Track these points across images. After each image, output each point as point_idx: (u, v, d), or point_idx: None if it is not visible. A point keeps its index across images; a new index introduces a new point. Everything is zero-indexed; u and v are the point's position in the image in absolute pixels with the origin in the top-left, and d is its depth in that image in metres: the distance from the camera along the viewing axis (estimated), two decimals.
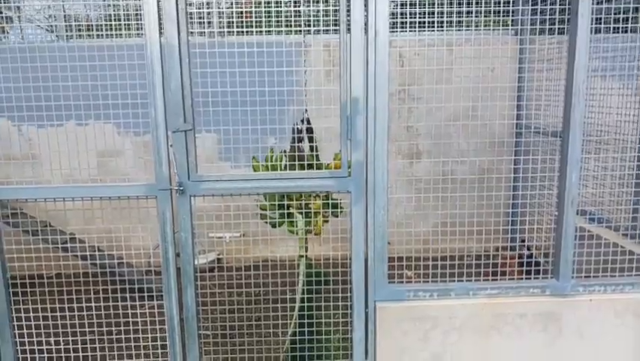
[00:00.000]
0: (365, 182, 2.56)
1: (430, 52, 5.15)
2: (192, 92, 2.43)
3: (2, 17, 5.18)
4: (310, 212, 2.75)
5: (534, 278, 2.76)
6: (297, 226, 2.72)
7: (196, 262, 4.03)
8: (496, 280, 2.78)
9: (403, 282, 2.76)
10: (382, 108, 2.48)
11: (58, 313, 2.63)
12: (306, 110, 2.86)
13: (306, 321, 2.70)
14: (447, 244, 3.25)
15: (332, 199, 2.82)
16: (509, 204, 3.82)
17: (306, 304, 2.69)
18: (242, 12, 4.87)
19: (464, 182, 3.28)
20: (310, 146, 3.05)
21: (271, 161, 2.79)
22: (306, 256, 2.78)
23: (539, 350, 2.71)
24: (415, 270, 2.98)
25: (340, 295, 2.74)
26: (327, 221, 2.91)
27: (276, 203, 2.75)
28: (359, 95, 2.46)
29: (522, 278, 3.98)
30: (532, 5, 4.48)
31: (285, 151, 3.06)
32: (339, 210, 2.72)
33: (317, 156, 2.94)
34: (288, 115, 3.13)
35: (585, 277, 2.82)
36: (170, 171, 2.41)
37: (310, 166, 2.84)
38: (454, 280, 2.73)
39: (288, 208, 2.74)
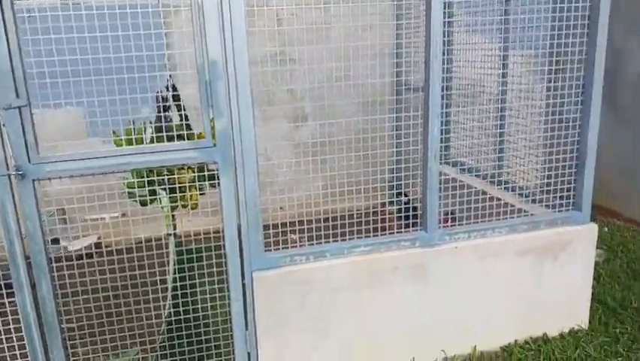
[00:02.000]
0: (233, 151, 2.46)
1: (307, 11, 5.06)
2: (23, 62, 2.14)
3: None
4: (181, 186, 2.60)
5: (412, 230, 2.87)
6: (160, 203, 2.57)
7: (70, 248, 3.70)
8: (377, 235, 2.84)
9: (288, 247, 2.74)
10: (243, 71, 2.37)
11: None
12: (170, 75, 2.66)
13: (180, 301, 2.60)
14: (337, 205, 3.20)
15: (208, 170, 2.69)
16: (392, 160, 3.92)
17: (179, 283, 2.58)
18: None
19: (348, 143, 3.24)
20: (180, 115, 2.86)
21: (132, 134, 2.58)
22: (175, 233, 2.66)
23: (412, 301, 2.85)
24: (300, 233, 2.97)
25: (215, 269, 2.66)
26: (203, 194, 2.78)
27: (140, 180, 2.56)
28: (217, 59, 2.32)
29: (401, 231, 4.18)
30: None
31: (150, 122, 2.84)
32: (216, 181, 2.60)
33: (188, 125, 2.77)
34: (159, 82, 2.91)
35: (459, 225, 2.98)
36: (5, 154, 2.13)
37: (180, 137, 2.67)
38: (337, 240, 2.76)
39: (154, 184, 2.58)
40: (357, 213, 3.12)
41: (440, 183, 2.96)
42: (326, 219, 2.88)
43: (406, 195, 4.12)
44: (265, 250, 2.66)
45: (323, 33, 3.91)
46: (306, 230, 2.81)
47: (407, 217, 4.12)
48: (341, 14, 3.97)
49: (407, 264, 2.80)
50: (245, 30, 2.32)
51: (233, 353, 2.70)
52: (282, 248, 2.72)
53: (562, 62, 3.00)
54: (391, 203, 4.32)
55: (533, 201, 3.30)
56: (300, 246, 2.81)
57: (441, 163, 4.41)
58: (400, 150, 3.24)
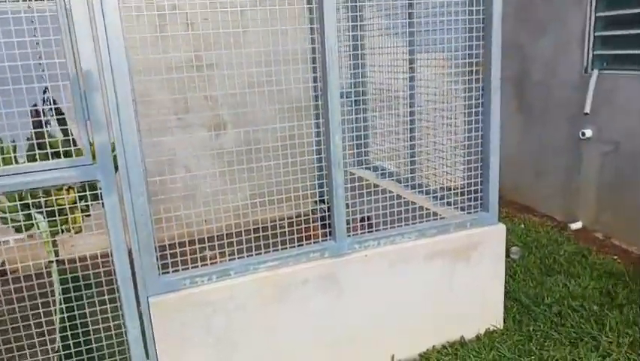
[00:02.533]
0: (116, 167, 2.26)
1: (221, 15, 4.89)
2: None
3: None
4: (62, 208, 2.36)
5: (314, 242, 2.76)
6: (38, 228, 2.32)
7: None
8: (285, 248, 2.72)
9: (207, 264, 2.57)
10: (123, 80, 2.18)
11: None
12: (47, 88, 2.42)
13: (69, 334, 2.36)
14: (266, 214, 3.00)
15: (92, 189, 2.46)
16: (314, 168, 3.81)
17: (66, 315, 2.34)
18: None
19: (274, 150, 3.06)
20: (63, 130, 2.62)
21: (1, 152, 2.32)
22: (58, 260, 2.41)
23: (325, 313, 2.74)
24: (221, 249, 2.79)
25: (107, 297, 2.43)
26: (88, 215, 2.55)
27: (12, 204, 2.30)
28: (91, 68, 2.12)
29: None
30: None
31: (28, 138, 2.58)
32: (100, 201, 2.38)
33: (74, 140, 2.53)
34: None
35: (376, 230, 2.91)
36: None
37: (67, 154, 2.43)
38: (252, 254, 2.61)
39: (30, 208, 2.32)
40: (288, 222, 2.99)
41: (358, 189, 2.91)
42: (255, 230, 2.72)
43: (323, 202, 4.03)
44: (163, 273, 2.47)
45: (240, 38, 3.74)
46: (226, 245, 2.65)
47: (329, 225, 4.05)
48: (258, 18, 3.84)
49: (317, 275, 2.70)
50: (122, 37, 2.13)
51: None
52: (202, 266, 2.52)
53: (467, 64, 3.02)
54: (314, 211, 4.23)
55: (448, 203, 3.30)
56: (221, 262, 2.65)
57: (361, 167, 4.45)
58: (321, 156, 3.12)
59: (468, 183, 3.07)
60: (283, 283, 2.64)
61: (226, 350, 2.59)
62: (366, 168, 4.47)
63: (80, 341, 2.38)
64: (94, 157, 2.21)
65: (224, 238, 2.66)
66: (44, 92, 2.48)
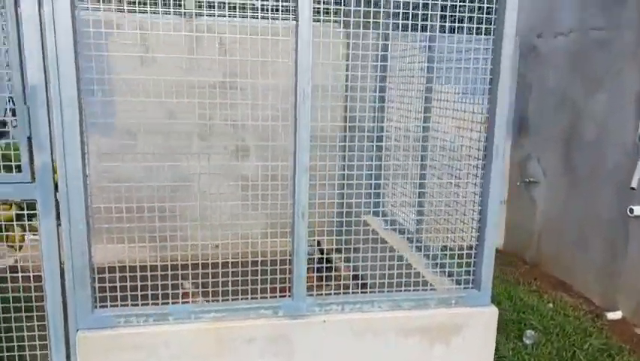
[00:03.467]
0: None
1: (252, 41, 4.82)
2: None
3: None
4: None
5: (270, 297, 2.50)
6: None
7: None
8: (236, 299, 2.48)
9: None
10: (70, 100, 2.06)
11: None
12: (10, 98, 2.37)
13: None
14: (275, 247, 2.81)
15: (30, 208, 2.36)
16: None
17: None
18: None
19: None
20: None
21: None
22: None
23: None
24: (194, 280, 2.62)
25: (36, 323, 2.30)
26: (24, 234, 2.44)
27: None
28: (37, 83, 2.03)
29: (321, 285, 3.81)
30: None
31: None
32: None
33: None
34: None
35: (370, 292, 2.63)
36: None
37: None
38: (187, 302, 2.41)
39: None
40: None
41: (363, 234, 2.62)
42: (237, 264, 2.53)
43: (319, 245, 3.76)
44: (99, 307, 2.30)
45: (269, 67, 3.60)
46: (210, 274, 2.48)
47: (320, 270, 3.76)
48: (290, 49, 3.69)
49: (267, 335, 2.42)
50: (73, 49, 2.02)
51: None
52: (142, 305, 2.35)
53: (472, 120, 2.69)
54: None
55: (447, 274, 2.93)
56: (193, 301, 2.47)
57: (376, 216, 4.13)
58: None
59: (460, 255, 2.69)
60: (225, 338, 2.38)
61: None
62: (381, 217, 4.16)
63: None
64: (33, 176, 2.10)
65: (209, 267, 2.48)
66: (8, 101, 2.43)
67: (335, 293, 2.58)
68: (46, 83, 2.04)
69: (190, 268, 2.60)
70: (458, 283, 2.72)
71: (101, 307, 2.32)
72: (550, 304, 4.29)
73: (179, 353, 2.34)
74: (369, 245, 3.83)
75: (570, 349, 3.54)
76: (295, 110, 2.30)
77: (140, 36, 4.75)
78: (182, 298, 2.55)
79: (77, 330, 2.26)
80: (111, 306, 2.34)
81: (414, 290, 2.64)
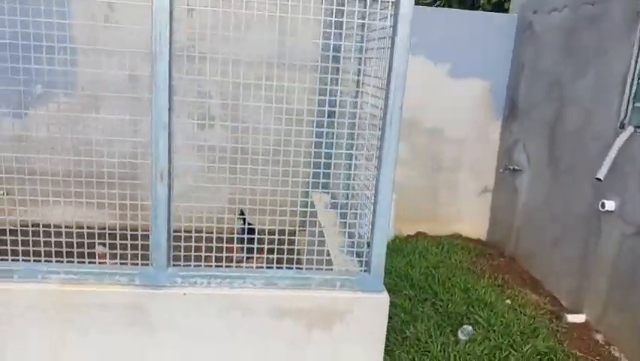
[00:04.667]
0: None
1: (224, 7, 4.58)
2: None
3: None
4: None
5: (121, 263, 2.30)
6: None
7: None
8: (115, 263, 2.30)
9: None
10: None
11: None
12: None
13: None
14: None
15: None
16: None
17: None
18: None
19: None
20: None
21: None
22: None
23: (128, 349, 2.27)
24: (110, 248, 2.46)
25: None
26: None
27: None
28: None
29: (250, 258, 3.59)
30: None
31: None
32: None
33: None
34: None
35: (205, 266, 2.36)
36: None
37: None
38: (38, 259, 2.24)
39: None
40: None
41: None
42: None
43: (242, 214, 3.52)
44: None
45: (242, 33, 3.36)
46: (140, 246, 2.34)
47: (243, 241, 3.53)
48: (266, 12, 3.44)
49: (121, 303, 2.23)
50: None
51: None
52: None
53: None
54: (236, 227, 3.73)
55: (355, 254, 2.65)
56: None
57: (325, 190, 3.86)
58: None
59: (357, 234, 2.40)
60: (76, 303, 2.21)
61: None
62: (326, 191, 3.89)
63: None
64: None
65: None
66: None
67: (203, 266, 2.35)
68: None
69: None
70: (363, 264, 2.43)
71: None
72: (508, 301, 3.92)
73: (22, 314, 2.19)
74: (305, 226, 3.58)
75: (506, 349, 3.18)
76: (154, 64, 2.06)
77: None
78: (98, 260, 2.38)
79: None
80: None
81: (296, 268, 2.38)
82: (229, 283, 2.29)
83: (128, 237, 2.41)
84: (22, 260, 2.24)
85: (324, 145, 2.43)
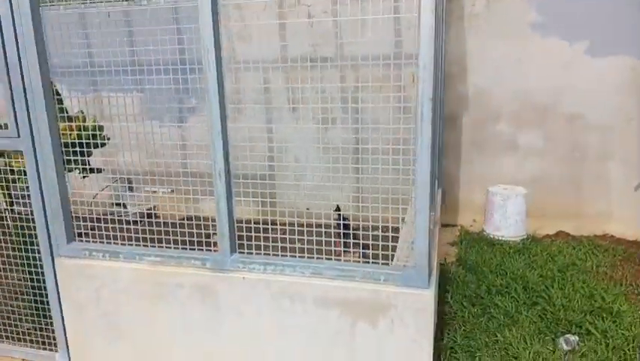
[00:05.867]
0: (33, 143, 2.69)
1: (341, 9, 4.81)
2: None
3: None
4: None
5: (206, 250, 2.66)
6: None
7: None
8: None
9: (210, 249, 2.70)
10: (35, 70, 2.56)
11: None
12: None
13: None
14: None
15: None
16: None
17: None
18: None
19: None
20: None
21: None
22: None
23: (201, 323, 2.64)
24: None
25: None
26: None
27: None
28: None
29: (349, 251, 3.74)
30: None
31: None
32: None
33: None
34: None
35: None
36: None
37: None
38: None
39: None
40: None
41: None
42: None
43: (338, 209, 3.68)
44: (73, 240, 2.81)
45: (359, 33, 3.74)
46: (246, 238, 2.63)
47: (343, 235, 3.69)
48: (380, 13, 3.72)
49: (193, 284, 2.61)
50: (32, 30, 2.49)
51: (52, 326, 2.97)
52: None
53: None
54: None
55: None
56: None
57: None
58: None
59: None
60: (159, 281, 2.65)
61: (112, 327, 2.79)
62: None
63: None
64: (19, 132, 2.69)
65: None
66: None
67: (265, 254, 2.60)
68: None
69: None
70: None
71: (79, 240, 2.83)
72: None
73: (125, 288, 2.71)
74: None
75: None
76: (205, 73, 2.38)
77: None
78: (213, 247, 2.82)
79: (57, 256, 2.82)
80: (85, 241, 2.84)
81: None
82: (281, 270, 2.50)
83: (254, 229, 2.67)
84: (135, 245, 2.76)
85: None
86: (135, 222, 3.00)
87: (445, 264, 4.22)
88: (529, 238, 4.75)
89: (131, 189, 4.07)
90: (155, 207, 4.49)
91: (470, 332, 3.20)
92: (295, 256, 2.53)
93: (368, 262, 2.51)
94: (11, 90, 2.62)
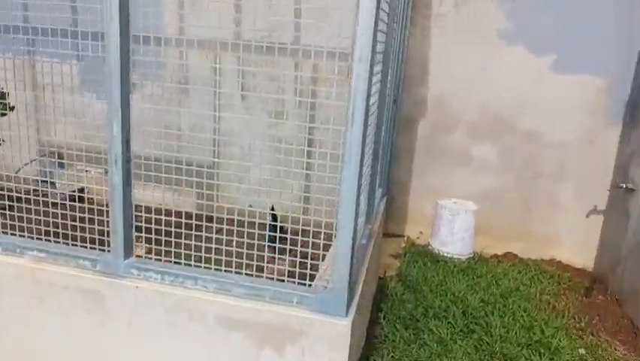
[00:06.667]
0: None
1: None
2: None
3: None
4: None
5: (91, 248, 2.28)
6: None
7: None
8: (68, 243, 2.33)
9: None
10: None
11: None
12: None
13: None
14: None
15: None
16: None
17: None
18: None
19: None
20: None
21: None
22: None
23: (88, 332, 2.26)
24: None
25: None
26: None
27: None
28: None
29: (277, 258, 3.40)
30: None
31: None
32: None
33: None
34: None
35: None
36: None
37: None
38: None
39: None
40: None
41: None
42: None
43: (273, 209, 3.35)
44: None
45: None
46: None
47: (272, 239, 3.35)
48: None
49: (79, 287, 2.23)
50: None
51: None
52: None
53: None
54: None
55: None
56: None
57: None
58: None
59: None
60: (43, 280, 2.26)
61: None
62: None
63: None
64: None
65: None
66: None
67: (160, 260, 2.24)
68: None
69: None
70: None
71: None
72: (583, 351, 3.16)
73: (4, 284, 2.30)
74: None
75: None
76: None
77: None
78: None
79: None
80: None
81: (253, 276, 2.14)
82: (181, 282, 2.15)
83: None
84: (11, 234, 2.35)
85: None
86: (63, 204, 2.59)
87: (383, 278, 3.94)
88: (475, 256, 4.53)
89: (61, 166, 3.64)
90: (85, 188, 4.05)
91: (399, 360, 2.93)
92: (215, 259, 2.14)
93: (284, 279, 2.19)
94: None
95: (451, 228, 4.40)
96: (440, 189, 4.76)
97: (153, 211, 2.30)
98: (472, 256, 4.54)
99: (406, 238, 4.91)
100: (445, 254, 4.44)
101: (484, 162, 4.67)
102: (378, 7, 1.69)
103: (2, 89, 2.84)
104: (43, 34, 2.39)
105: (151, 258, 2.25)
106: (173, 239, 2.27)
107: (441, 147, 4.74)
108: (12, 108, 2.99)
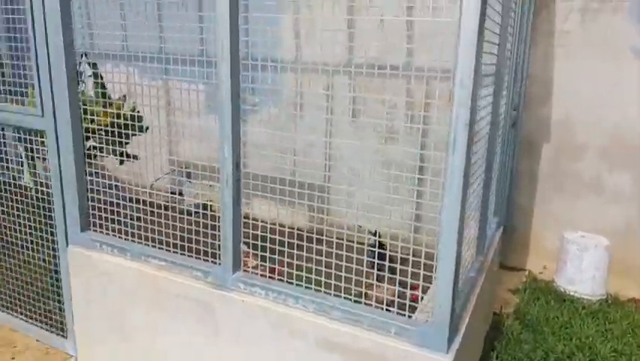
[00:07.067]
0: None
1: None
2: None
3: None
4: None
5: (204, 259, 2.42)
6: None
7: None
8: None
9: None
10: (58, 58, 2.46)
11: None
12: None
13: None
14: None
15: None
16: None
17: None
18: None
19: None
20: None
21: None
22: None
23: (200, 341, 2.40)
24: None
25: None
26: None
27: None
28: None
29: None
30: None
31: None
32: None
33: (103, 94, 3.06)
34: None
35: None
36: None
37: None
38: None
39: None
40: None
41: None
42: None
43: (376, 234, 3.28)
44: (86, 229, 2.69)
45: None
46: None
47: (377, 266, 3.28)
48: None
49: (191, 297, 2.38)
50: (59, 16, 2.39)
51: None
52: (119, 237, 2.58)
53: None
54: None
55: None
56: (253, 267, 2.54)
57: None
58: None
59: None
60: (162, 287, 2.45)
61: (116, 326, 2.65)
62: None
63: None
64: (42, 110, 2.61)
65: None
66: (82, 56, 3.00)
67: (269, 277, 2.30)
68: None
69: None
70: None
71: (93, 230, 2.70)
72: None
73: (132, 288, 2.55)
74: None
75: None
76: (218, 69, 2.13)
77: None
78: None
79: (71, 244, 2.72)
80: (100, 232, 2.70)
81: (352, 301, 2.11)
82: (284, 299, 2.19)
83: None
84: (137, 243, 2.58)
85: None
86: (189, 214, 2.84)
87: (499, 314, 3.67)
88: (608, 298, 4.03)
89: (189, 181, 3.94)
90: (210, 201, 4.36)
91: None
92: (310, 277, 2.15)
93: (383, 308, 2.12)
94: (37, 67, 2.55)
95: (579, 264, 3.98)
96: (565, 219, 4.34)
97: (268, 228, 2.34)
98: (604, 297, 4.04)
99: (527, 273, 4.53)
100: (573, 293, 4.01)
101: (617, 192, 4.17)
102: (481, 28, 1.61)
103: (138, 112, 3.17)
104: (174, 63, 2.63)
105: (258, 273, 2.32)
106: (278, 257, 2.33)
107: (566, 172, 4.33)
108: (147, 128, 3.33)
